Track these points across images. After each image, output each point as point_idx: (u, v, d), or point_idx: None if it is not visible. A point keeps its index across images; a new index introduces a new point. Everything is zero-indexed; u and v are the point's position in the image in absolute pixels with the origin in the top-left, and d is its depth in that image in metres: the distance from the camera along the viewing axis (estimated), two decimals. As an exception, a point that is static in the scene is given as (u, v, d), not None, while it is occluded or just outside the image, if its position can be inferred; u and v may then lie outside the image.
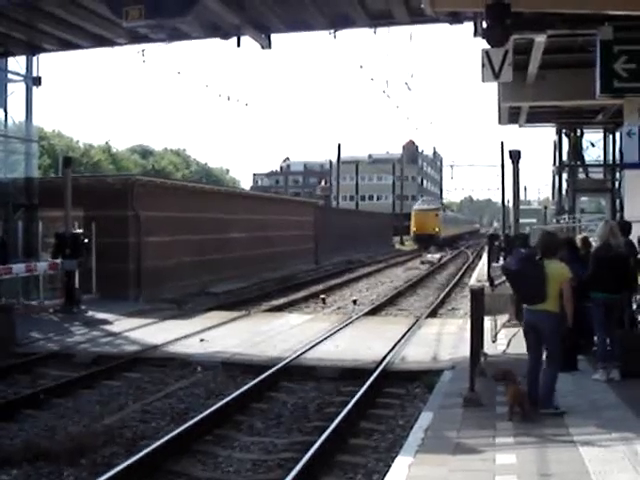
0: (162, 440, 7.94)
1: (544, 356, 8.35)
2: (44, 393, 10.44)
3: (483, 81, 13.23)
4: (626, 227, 10.76)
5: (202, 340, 14.32)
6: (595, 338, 10.43)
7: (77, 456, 7.73)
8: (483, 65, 12.97)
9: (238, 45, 15.92)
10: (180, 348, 13.58)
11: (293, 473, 6.84)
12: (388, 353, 12.50)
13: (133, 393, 10.80)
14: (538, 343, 8.31)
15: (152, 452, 7.52)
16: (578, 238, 12.30)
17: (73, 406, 10.06)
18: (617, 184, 28.31)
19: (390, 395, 10.54)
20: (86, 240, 18.39)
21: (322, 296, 23.46)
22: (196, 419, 8.80)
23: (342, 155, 68.68)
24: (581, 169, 29.48)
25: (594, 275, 9.84)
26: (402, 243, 72.50)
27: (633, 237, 10.77)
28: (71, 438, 8.17)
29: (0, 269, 16.07)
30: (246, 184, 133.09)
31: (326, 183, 72.96)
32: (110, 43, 17.07)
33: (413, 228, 67.70)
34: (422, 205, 71.44)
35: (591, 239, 11.90)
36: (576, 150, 28.59)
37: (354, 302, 22.22)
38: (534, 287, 8.08)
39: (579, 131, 29.05)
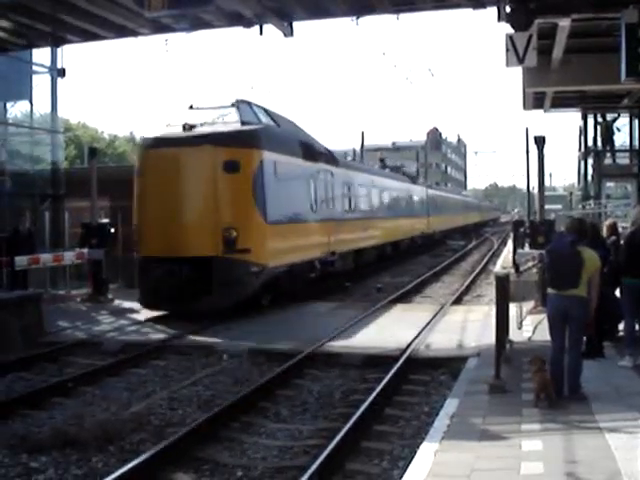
0: (189, 427, 8.04)
1: (567, 343, 8.30)
2: (72, 381, 10.58)
3: (507, 66, 13.12)
4: None
5: (228, 328, 14.39)
6: (621, 324, 10.36)
7: (105, 443, 7.83)
8: (507, 50, 12.85)
9: (260, 33, 15.90)
10: (206, 336, 13.68)
11: (319, 459, 6.88)
12: (413, 340, 12.47)
13: (160, 381, 10.91)
14: (563, 330, 8.27)
15: (179, 439, 7.61)
16: (605, 224, 12.20)
17: (101, 394, 10.18)
18: (643, 169, 27.96)
19: (415, 382, 10.52)
20: (112, 230, 18.54)
21: (347, 284, 23.44)
22: (223, 406, 8.89)
23: (366, 143, 67.61)
24: (609, 154, 29.07)
25: (627, 261, 9.74)
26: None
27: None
28: (99, 425, 8.26)
29: (28, 259, 16.24)
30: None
31: (350, 171, 72.51)
32: (133, 33, 17.09)
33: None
34: (171, 128, 16.12)
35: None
36: (608, 135, 28.16)
37: (378, 290, 22.15)
38: (571, 272, 8.06)
39: (611, 115, 28.51)
